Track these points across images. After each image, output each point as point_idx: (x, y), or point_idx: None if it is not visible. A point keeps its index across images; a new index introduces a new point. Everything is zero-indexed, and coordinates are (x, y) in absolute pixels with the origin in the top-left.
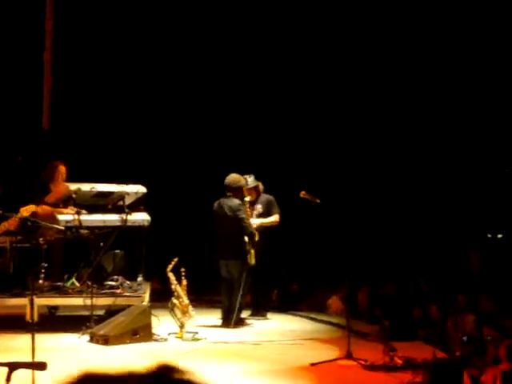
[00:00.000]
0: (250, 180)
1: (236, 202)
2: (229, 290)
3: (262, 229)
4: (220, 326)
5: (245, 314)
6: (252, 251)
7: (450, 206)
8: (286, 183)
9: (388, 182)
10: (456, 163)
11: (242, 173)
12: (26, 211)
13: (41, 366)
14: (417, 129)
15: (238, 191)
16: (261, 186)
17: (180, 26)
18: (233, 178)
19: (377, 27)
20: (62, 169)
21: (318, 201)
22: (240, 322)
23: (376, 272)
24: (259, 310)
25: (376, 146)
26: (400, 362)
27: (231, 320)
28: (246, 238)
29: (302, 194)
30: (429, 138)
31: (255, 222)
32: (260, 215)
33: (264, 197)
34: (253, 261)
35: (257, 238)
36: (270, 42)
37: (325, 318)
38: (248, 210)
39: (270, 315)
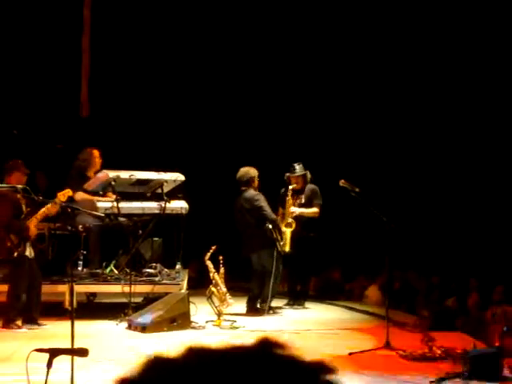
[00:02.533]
0: (298, 168)
1: (252, 192)
2: (259, 278)
3: (302, 218)
4: (245, 314)
5: (281, 303)
6: (285, 238)
7: (494, 195)
8: (329, 171)
9: (433, 172)
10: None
11: (291, 161)
12: (62, 196)
13: (82, 353)
14: (467, 122)
15: (250, 183)
16: (308, 175)
17: (213, 21)
18: (241, 171)
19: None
20: (97, 153)
21: (358, 189)
22: (270, 310)
23: (416, 261)
24: (297, 299)
25: (422, 138)
26: (439, 351)
27: (265, 307)
28: (270, 226)
29: (342, 182)
30: (479, 131)
31: (295, 210)
32: (302, 205)
33: (309, 187)
34: (286, 248)
35: (293, 226)
36: (293, 40)
37: (363, 307)
38: (290, 197)
39: (307, 304)
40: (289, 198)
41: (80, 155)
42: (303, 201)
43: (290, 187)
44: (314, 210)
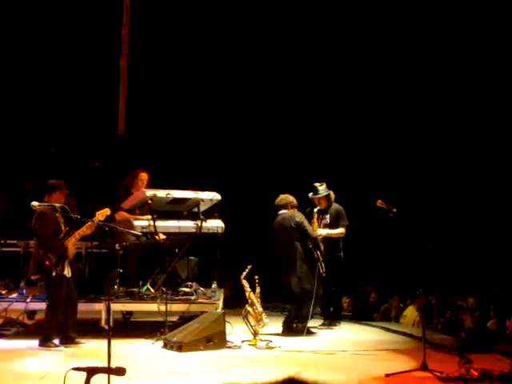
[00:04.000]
0: (322, 188)
1: (292, 212)
2: (298, 300)
3: (329, 239)
4: (281, 334)
5: (316, 323)
6: (320, 260)
7: None
8: (362, 192)
9: (465, 190)
10: None
11: (315, 181)
12: (101, 215)
13: (119, 372)
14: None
15: (287, 206)
16: (332, 195)
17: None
18: (279, 198)
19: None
20: (144, 176)
21: (395, 210)
22: (308, 331)
23: (453, 283)
24: (332, 319)
25: (452, 156)
26: (476, 373)
27: (302, 328)
28: (312, 247)
29: (379, 202)
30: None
31: (322, 232)
32: (327, 225)
33: (334, 207)
34: (322, 271)
35: (322, 249)
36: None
37: (399, 328)
38: (315, 220)
39: (343, 325)
40: (314, 220)
41: (128, 176)
42: (328, 221)
43: (315, 210)
44: (340, 230)
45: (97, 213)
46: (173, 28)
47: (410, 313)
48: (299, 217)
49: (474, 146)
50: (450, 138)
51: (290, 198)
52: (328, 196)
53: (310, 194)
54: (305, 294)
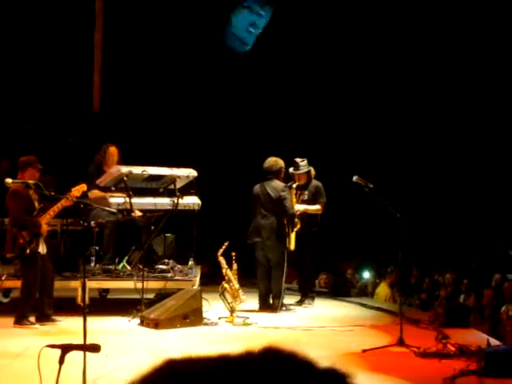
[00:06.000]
0: (303, 164)
1: (280, 183)
2: (266, 274)
3: (306, 215)
4: (258, 311)
5: (293, 300)
6: (292, 235)
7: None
8: (338, 167)
9: (442, 166)
10: None
11: (296, 157)
12: (77, 191)
13: (94, 349)
14: (475, 119)
15: (278, 173)
16: (313, 172)
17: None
18: (272, 160)
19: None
20: (114, 151)
21: (371, 185)
22: (283, 307)
23: (430, 258)
24: (306, 296)
25: (431, 134)
26: (453, 349)
27: (277, 305)
28: (285, 221)
29: (356, 178)
30: (489, 127)
31: (299, 207)
32: (305, 202)
33: (313, 183)
34: (292, 246)
35: (298, 226)
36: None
37: (375, 304)
38: (293, 195)
39: (319, 301)
40: (292, 195)
41: (99, 152)
42: (306, 197)
43: (294, 185)
44: (318, 207)
45: (73, 189)
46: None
47: (382, 289)
48: (286, 191)
49: (451, 120)
50: (419, 117)
51: (280, 163)
52: (308, 172)
53: (291, 169)
54: (271, 266)
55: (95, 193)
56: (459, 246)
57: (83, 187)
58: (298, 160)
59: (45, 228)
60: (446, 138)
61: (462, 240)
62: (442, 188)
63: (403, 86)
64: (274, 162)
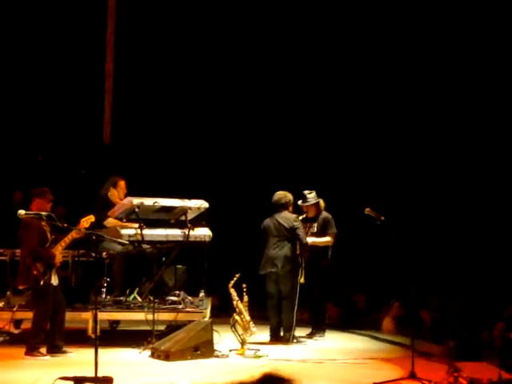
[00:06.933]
0: (311, 196)
1: (292, 214)
2: (277, 306)
3: (315, 248)
4: (269, 343)
5: (304, 332)
6: (302, 267)
7: None
8: (349, 199)
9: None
10: None
11: (306, 189)
12: (85, 222)
13: (107, 381)
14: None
15: (287, 206)
16: (322, 204)
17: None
18: (281, 194)
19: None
20: (122, 184)
21: (383, 218)
22: (294, 339)
23: (441, 291)
24: (317, 328)
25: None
26: (464, 382)
27: (288, 337)
28: (299, 253)
29: (367, 210)
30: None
31: (308, 240)
32: (314, 234)
33: (322, 215)
34: (302, 279)
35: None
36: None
37: (387, 336)
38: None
39: (330, 333)
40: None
41: (106, 183)
42: (315, 230)
43: (300, 218)
44: (327, 238)
45: (81, 220)
46: (159, 34)
47: (385, 323)
48: (298, 222)
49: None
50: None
51: (289, 196)
52: (317, 204)
53: (299, 202)
54: (281, 299)
55: (111, 221)
56: (472, 279)
57: (91, 218)
58: (305, 192)
59: (58, 259)
60: (454, 179)
61: (476, 274)
62: (460, 222)
63: (415, 117)
64: (283, 195)
